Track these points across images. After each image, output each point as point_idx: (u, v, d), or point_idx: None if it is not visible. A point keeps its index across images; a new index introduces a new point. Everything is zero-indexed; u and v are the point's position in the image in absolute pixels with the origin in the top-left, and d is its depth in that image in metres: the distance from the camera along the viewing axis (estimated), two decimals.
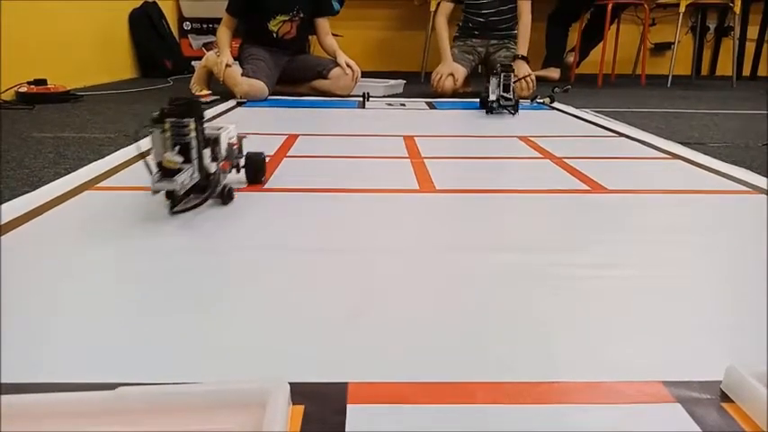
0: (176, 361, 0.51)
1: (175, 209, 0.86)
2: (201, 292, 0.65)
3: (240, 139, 1.02)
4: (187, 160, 0.84)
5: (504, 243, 0.81)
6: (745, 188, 1.11)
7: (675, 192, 1.08)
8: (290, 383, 0.45)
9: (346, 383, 0.47)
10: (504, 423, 0.43)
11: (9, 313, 0.58)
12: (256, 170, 1.06)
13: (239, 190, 1.01)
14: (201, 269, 0.71)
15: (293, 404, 0.44)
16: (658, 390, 0.47)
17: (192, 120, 0.84)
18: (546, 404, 0.45)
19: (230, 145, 0.98)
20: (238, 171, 1.04)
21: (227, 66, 2.36)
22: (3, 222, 0.83)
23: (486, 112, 2.05)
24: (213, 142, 0.91)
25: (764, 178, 1.17)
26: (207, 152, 0.89)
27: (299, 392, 0.45)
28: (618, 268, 0.72)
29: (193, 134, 0.84)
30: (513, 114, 2.00)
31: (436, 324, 0.58)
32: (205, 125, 0.89)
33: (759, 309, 0.62)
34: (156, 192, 0.82)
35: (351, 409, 0.44)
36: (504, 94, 1.99)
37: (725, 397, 0.46)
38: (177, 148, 0.83)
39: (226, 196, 0.94)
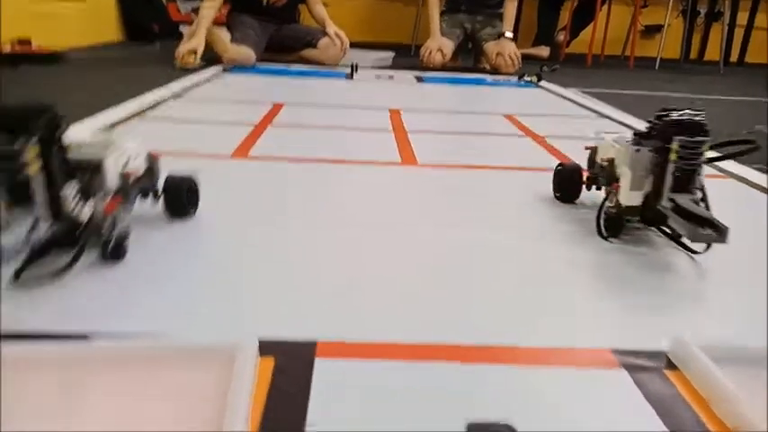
0: (156, 318, 0.53)
1: (20, 274, 0.56)
2: (182, 259, 0.67)
3: (153, 160, 0.72)
4: (25, 202, 0.56)
5: (474, 217, 0.84)
6: (718, 173, 1.15)
7: None
8: (264, 340, 0.47)
9: (315, 341, 0.50)
10: (459, 379, 0.46)
11: None
12: (180, 201, 0.75)
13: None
14: (181, 237, 0.73)
15: (265, 356, 0.47)
16: (607, 356, 0.50)
17: (33, 140, 0.54)
18: (499, 364, 0.48)
19: (126, 175, 0.65)
20: (156, 198, 0.74)
21: (192, 51, 2.24)
22: None
23: (605, 235, 0.76)
24: (89, 170, 0.60)
25: (739, 165, 1.20)
26: (71, 189, 0.57)
27: (272, 348, 0.48)
28: (583, 244, 0.75)
29: (36, 165, 0.54)
30: (701, 251, 0.71)
31: (402, 292, 0.61)
32: (82, 143, 0.62)
33: (719, 283, 0.65)
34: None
35: (318, 362, 0.47)
36: (684, 201, 0.69)
37: (670, 365, 0.50)
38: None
39: (111, 251, 0.61)
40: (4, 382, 0.42)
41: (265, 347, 0.47)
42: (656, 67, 3.37)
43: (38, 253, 0.57)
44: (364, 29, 4.07)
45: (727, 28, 3.87)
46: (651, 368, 0.49)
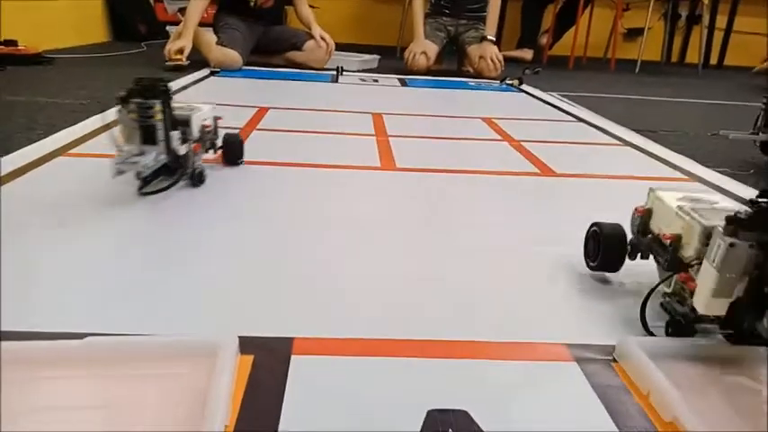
0: (148, 316, 0.57)
1: (144, 190, 0.88)
2: (167, 256, 0.71)
3: (216, 120, 1.02)
4: (153, 142, 0.86)
5: (442, 219, 0.89)
6: (682, 175, 1.20)
7: (616, 177, 1.16)
8: (243, 337, 0.52)
9: (292, 338, 0.54)
10: (423, 372, 0.50)
11: None
12: (233, 152, 1.07)
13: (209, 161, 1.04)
14: (166, 237, 0.76)
15: (245, 354, 0.51)
16: (561, 350, 0.55)
17: (158, 101, 0.84)
18: (463, 358, 0.53)
19: (203, 127, 0.96)
20: (215, 152, 1.03)
21: (179, 50, 2.28)
22: None
23: (651, 332, 0.58)
24: (183, 124, 0.91)
25: (701, 166, 1.26)
26: (176, 134, 0.88)
27: (251, 344, 0.52)
28: (547, 244, 0.79)
29: (159, 116, 0.85)
30: None
31: (374, 290, 0.65)
32: (178, 105, 0.90)
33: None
34: (118, 174, 0.82)
35: (294, 359, 0.51)
36: None
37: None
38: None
39: (196, 179, 0.95)
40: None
41: (245, 343, 0.51)
42: (637, 70, 3.44)
43: (155, 174, 0.90)
44: (350, 30, 4.11)
45: (706, 31, 3.95)
46: (600, 361, 0.53)
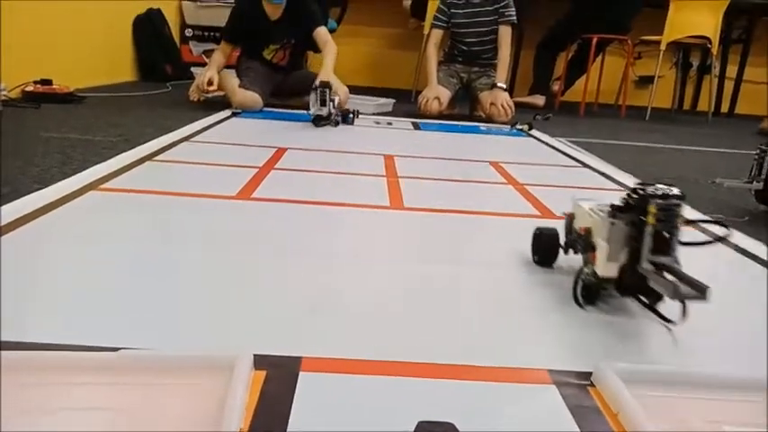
0: (174, 334, 0.64)
1: (319, 125, 2.17)
2: (190, 288, 0.78)
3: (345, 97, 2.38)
4: (325, 105, 2.16)
5: (442, 255, 0.96)
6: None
7: None
8: (258, 354, 0.58)
9: (301, 357, 0.60)
10: (421, 391, 0.56)
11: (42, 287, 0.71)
12: (346, 117, 2.29)
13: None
14: (190, 273, 0.84)
15: (258, 370, 0.57)
16: (543, 375, 0.60)
17: (329, 90, 2.15)
18: (455, 380, 0.59)
19: (339, 103, 2.23)
20: (338, 116, 2.24)
21: (209, 81, 2.46)
22: (23, 214, 0.97)
23: (581, 303, 0.79)
24: (333, 100, 2.18)
25: (698, 213, 1.32)
26: (331, 104, 2.17)
27: (264, 361, 0.58)
28: (541, 283, 0.85)
29: (328, 96, 2.15)
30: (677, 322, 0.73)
31: (379, 317, 0.71)
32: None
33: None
34: (314, 115, 2.18)
35: (302, 375, 0.57)
36: (664, 261, 0.72)
37: (593, 383, 0.60)
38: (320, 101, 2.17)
39: (336, 123, 2.22)
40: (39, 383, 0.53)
41: (259, 360, 0.57)
42: (647, 117, 3.51)
43: (324, 118, 2.24)
44: (367, 75, 4.26)
45: (716, 80, 4.04)
46: (578, 385, 0.59)
